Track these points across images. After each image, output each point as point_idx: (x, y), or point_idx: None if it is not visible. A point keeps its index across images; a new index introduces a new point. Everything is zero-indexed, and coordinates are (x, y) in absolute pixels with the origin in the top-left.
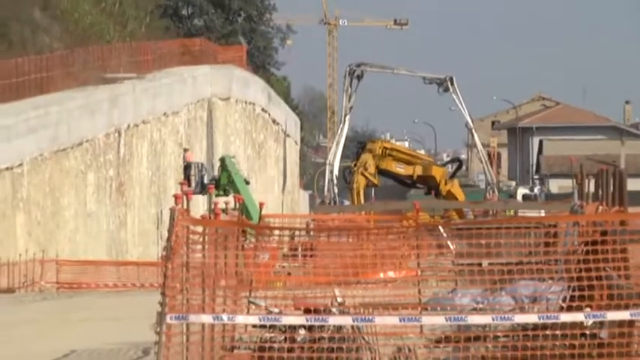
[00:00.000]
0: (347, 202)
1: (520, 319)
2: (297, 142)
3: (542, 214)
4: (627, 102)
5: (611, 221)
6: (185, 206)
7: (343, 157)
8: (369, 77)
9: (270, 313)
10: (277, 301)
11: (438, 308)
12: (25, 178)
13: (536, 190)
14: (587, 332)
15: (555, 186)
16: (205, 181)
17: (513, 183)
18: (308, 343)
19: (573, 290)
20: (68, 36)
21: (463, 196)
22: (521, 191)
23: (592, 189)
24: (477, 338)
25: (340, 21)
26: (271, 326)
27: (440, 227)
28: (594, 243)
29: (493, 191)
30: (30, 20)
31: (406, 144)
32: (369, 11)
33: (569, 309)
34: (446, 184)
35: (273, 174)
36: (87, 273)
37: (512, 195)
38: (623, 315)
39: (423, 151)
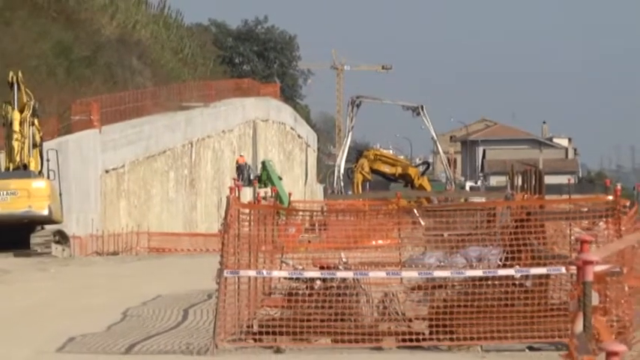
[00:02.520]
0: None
1: (470, 273)
2: (314, 150)
3: (484, 200)
4: (544, 122)
5: (533, 205)
6: (237, 195)
7: (347, 161)
8: (365, 105)
9: (296, 269)
10: (301, 261)
11: (413, 265)
12: (126, 176)
13: (478, 183)
14: (517, 282)
15: (494, 181)
16: (251, 177)
17: (463, 178)
18: (322, 290)
19: (507, 253)
20: (156, 77)
21: (430, 187)
22: (469, 184)
23: (520, 183)
24: (440, 286)
25: (345, 66)
26: (297, 278)
27: (414, 209)
28: (521, 220)
29: (451, 184)
30: (129, 66)
31: (391, 151)
32: (365, 59)
33: (504, 266)
34: (418, 179)
35: (298, 173)
36: (169, 241)
37: (463, 186)
38: (542, 270)
39: (402, 157)
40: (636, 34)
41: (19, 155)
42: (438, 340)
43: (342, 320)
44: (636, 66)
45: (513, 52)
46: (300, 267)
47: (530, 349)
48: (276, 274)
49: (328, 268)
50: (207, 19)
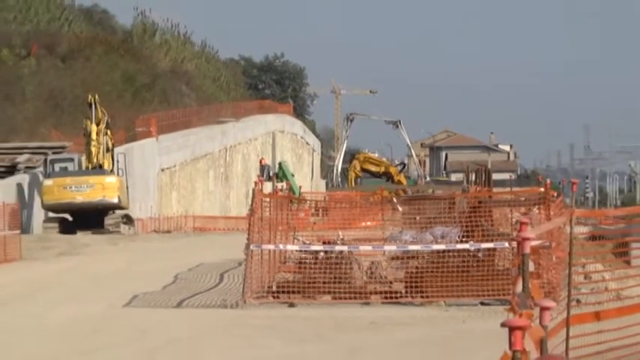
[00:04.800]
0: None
1: (436, 247)
2: (318, 154)
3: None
4: (492, 132)
5: (483, 195)
6: (260, 188)
7: (343, 162)
8: (357, 120)
9: (305, 244)
10: (308, 237)
11: (393, 241)
12: (177, 173)
13: (428, 178)
14: (471, 254)
15: (454, 177)
16: (271, 174)
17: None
18: (324, 260)
19: (464, 232)
20: (199, 99)
21: (405, 182)
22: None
23: (473, 178)
24: (413, 257)
25: (342, 91)
26: (305, 251)
27: (394, 198)
28: (475, 207)
29: (421, 180)
30: (179, 90)
31: (376, 154)
32: (357, 85)
33: (462, 242)
34: (397, 176)
35: (306, 171)
36: (209, 222)
37: (416, 182)
38: (490, 245)
39: (385, 159)
40: (561, 57)
41: (95, 158)
42: (412, 297)
43: (339, 282)
44: (562, 86)
45: (469, 77)
46: (308, 242)
47: (482, 304)
48: (289, 247)
49: (329, 243)
50: (237, 54)
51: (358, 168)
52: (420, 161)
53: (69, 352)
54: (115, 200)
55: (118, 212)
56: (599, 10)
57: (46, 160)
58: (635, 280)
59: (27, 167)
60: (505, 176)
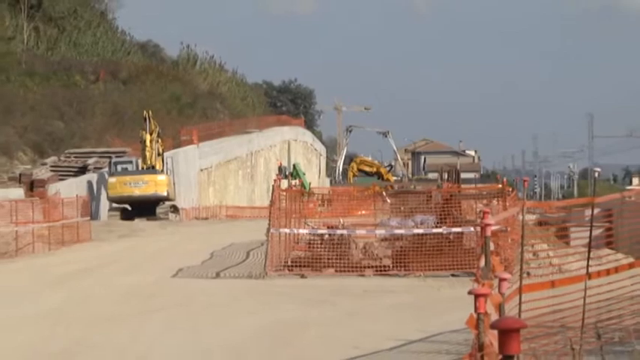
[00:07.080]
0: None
1: (416, 231)
2: (324, 158)
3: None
4: (460, 141)
5: (454, 190)
6: (278, 184)
7: (343, 164)
8: (355, 131)
9: (313, 228)
10: (316, 223)
11: (382, 226)
12: (213, 173)
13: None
14: (444, 236)
15: (431, 176)
16: (286, 173)
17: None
18: (329, 241)
19: (438, 219)
20: (231, 114)
21: (393, 180)
22: (395, 178)
23: (446, 177)
24: (398, 239)
25: (342, 108)
26: (313, 233)
27: (383, 192)
28: (447, 200)
29: (405, 178)
30: (215, 108)
31: (369, 158)
32: (355, 102)
33: (437, 227)
34: (386, 175)
35: (315, 171)
36: (238, 211)
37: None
38: (459, 229)
39: (376, 161)
40: (514, 75)
41: (149, 160)
42: (398, 270)
43: (340, 259)
44: (515, 104)
45: (443, 96)
46: (315, 227)
47: (453, 275)
48: (301, 231)
49: (332, 227)
50: (261, 79)
51: (355, 168)
52: (404, 163)
53: (130, 313)
54: (165, 194)
55: (167, 203)
56: (545, 37)
57: (110, 162)
58: (574, 257)
59: (95, 168)
60: (471, 175)
